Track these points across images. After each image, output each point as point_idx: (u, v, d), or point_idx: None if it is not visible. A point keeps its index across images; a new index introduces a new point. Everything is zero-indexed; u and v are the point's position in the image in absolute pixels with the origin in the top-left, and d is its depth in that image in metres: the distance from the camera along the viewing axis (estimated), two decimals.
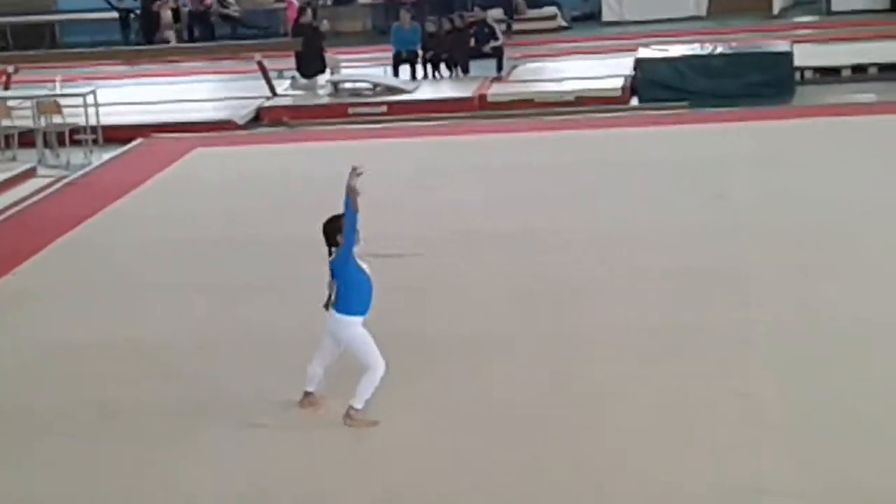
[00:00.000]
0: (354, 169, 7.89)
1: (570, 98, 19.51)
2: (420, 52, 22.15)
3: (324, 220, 8.15)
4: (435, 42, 22.07)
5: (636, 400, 8.44)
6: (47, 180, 16.43)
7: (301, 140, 18.09)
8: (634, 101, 19.51)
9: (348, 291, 8.01)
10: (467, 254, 11.77)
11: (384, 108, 19.96)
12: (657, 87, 19.43)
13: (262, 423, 8.35)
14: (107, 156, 17.74)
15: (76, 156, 18.10)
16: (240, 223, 13.37)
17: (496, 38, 22.09)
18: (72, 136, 18.36)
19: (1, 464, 8.15)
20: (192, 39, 28.76)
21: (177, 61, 25.56)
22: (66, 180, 16.31)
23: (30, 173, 16.79)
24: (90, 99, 18.60)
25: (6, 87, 21.63)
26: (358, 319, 8.08)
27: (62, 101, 18.46)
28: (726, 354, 9.08)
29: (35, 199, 15.35)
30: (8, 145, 18.20)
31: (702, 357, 9.05)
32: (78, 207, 14.53)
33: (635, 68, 20.08)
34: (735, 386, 8.49)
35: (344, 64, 22.77)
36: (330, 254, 8.10)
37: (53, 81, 20.07)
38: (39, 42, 29.29)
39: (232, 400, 8.81)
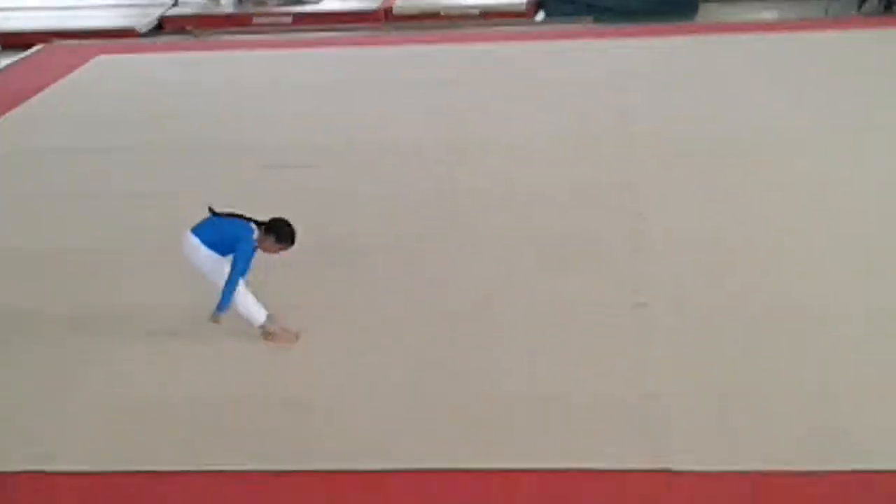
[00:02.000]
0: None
1: (476, 12, 19.49)
2: None
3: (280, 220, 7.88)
4: None
5: (529, 308, 8.60)
6: None
7: (204, 49, 17.90)
8: (540, 16, 19.56)
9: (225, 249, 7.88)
10: (368, 164, 11.81)
11: (289, 19, 19.80)
12: (562, 2, 19.47)
13: (173, 331, 8.41)
14: (4, 62, 17.43)
15: None
16: (142, 131, 13.25)
17: None
18: None
19: None
20: None
21: None
22: None
23: None
24: None
25: None
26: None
27: None
28: (622, 265, 9.23)
29: None
30: None
31: (597, 267, 9.20)
32: None
33: None
34: (630, 296, 8.68)
35: None
36: (256, 226, 7.86)
37: None
38: None
39: (138, 308, 8.84)
